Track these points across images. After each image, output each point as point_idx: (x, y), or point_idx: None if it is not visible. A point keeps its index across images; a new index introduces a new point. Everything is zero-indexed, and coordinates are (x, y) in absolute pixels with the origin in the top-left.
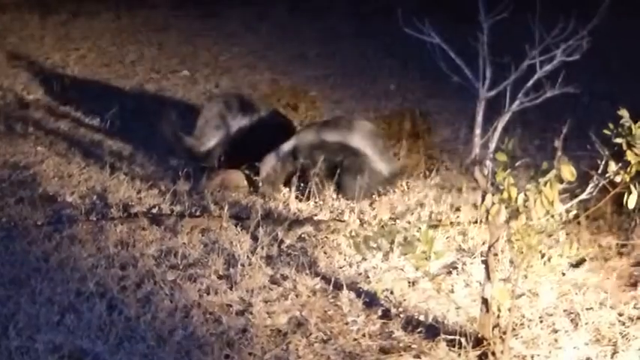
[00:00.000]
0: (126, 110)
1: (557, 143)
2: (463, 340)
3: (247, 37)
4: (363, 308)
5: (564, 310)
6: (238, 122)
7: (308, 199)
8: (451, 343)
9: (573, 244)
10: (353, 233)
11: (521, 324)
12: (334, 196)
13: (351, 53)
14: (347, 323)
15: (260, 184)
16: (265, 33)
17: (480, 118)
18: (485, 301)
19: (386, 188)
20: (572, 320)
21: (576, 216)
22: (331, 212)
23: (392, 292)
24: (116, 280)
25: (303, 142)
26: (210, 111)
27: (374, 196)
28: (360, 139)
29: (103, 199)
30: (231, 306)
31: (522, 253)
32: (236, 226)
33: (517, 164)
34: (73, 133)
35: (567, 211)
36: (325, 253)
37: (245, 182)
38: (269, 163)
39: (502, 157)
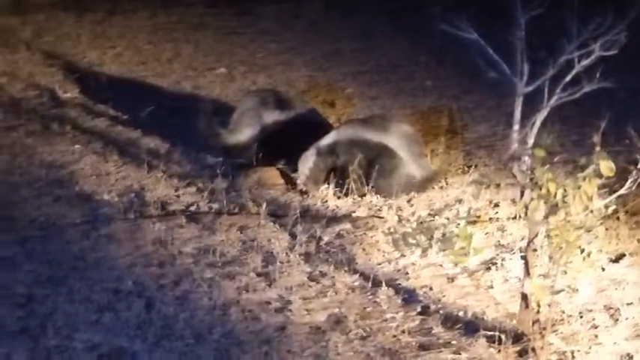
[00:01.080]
0: (162, 108)
1: (596, 138)
2: (502, 336)
3: (283, 34)
4: (402, 305)
5: (604, 306)
6: (274, 118)
7: (346, 195)
8: (490, 339)
9: (612, 240)
10: (391, 230)
11: (561, 320)
12: (372, 193)
13: (387, 50)
14: (386, 320)
15: (299, 181)
16: (301, 30)
17: (518, 114)
18: (524, 297)
19: (418, 192)
20: (611, 316)
21: (615, 211)
22: (369, 209)
23: (431, 289)
24: (154, 278)
25: (343, 138)
26: (245, 105)
27: (412, 192)
28: (397, 140)
29: (140, 197)
30: (269, 303)
31: (561, 248)
32: (274, 224)
33: (555, 160)
34: (109, 131)
35: (606, 207)
36: (363, 249)
37: (281, 180)
38: (310, 160)
39: (540, 153)
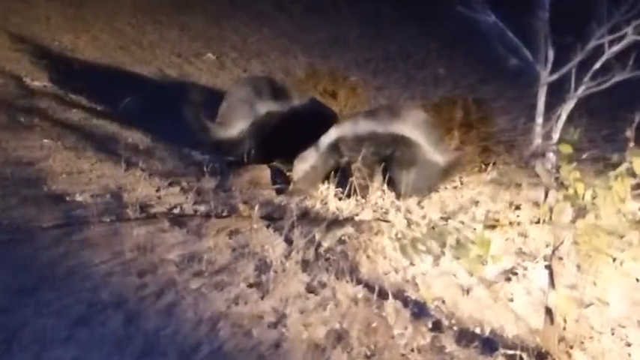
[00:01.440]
0: (143, 98)
1: (629, 133)
2: (524, 355)
3: (279, 17)
4: (411, 319)
5: (638, 321)
6: (269, 109)
7: (349, 196)
8: (511, 359)
9: None
10: (399, 235)
11: (590, 336)
12: (378, 193)
13: (395, 35)
14: (393, 336)
15: (293, 182)
16: (299, 13)
17: (541, 106)
18: (548, 311)
19: (442, 181)
20: None
21: None
22: (375, 211)
23: (443, 301)
24: (133, 289)
25: (348, 134)
26: (235, 95)
27: (428, 191)
28: (413, 128)
29: (117, 199)
30: (262, 317)
31: (590, 256)
32: (268, 228)
33: (583, 157)
34: (83, 124)
35: None
36: (368, 257)
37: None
38: (308, 160)
39: (567, 149)
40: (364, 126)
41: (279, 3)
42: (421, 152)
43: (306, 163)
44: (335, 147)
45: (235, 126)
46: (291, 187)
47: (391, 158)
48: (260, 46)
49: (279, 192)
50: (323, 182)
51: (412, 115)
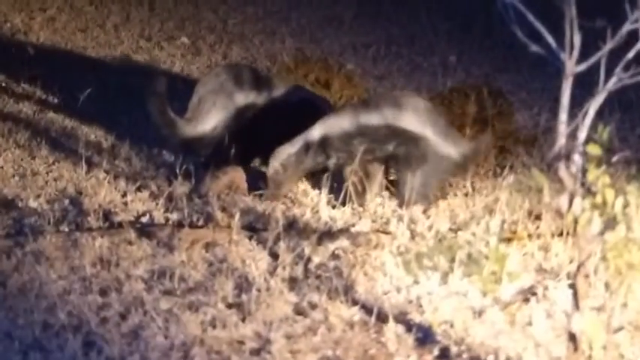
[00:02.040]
0: (107, 89)
1: None
2: None
3: None
4: (415, 346)
5: None
6: (248, 101)
7: (344, 204)
8: None
9: None
10: (402, 249)
11: None
12: (378, 200)
13: (399, 15)
14: None
15: (268, 180)
16: None
17: (566, 100)
18: (572, 337)
19: (459, 176)
20: None
21: None
22: (373, 222)
23: (452, 325)
24: (94, 309)
25: (335, 129)
26: (207, 86)
27: (440, 192)
28: (415, 118)
29: (77, 205)
30: (243, 343)
31: (621, 274)
32: (250, 240)
33: (614, 159)
34: (38, 118)
35: None
36: (366, 274)
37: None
38: (279, 157)
39: (595, 150)
40: (356, 119)
41: None
42: (429, 145)
43: (277, 160)
44: (318, 145)
45: (207, 121)
46: (266, 189)
47: (393, 157)
48: (242, 29)
49: (260, 197)
50: (313, 187)
51: (413, 103)
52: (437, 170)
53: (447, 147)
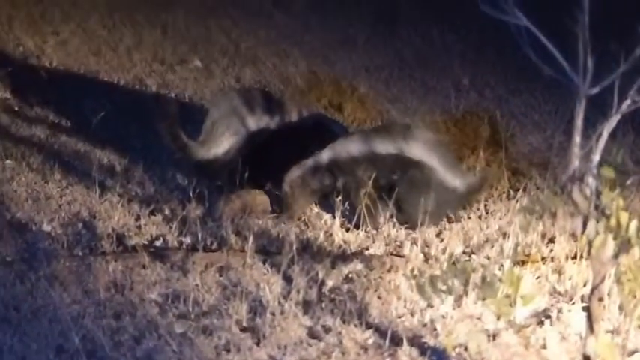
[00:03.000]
0: (120, 112)
1: None
2: None
3: (277, 16)
4: None
5: None
6: (261, 125)
7: (357, 227)
8: None
9: None
10: (415, 272)
11: None
12: (391, 223)
13: (412, 38)
14: None
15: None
16: (300, 11)
17: (579, 122)
18: None
19: (463, 208)
20: None
21: None
22: (387, 244)
23: (466, 348)
24: (109, 333)
25: (343, 154)
26: (220, 109)
27: (443, 222)
28: (423, 148)
29: (90, 229)
30: None
31: (635, 296)
32: (263, 264)
33: (628, 182)
34: (51, 142)
35: None
36: (379, 297)
37: (268, 205)
38: (289, 179)
39: (609, 173)
40: (365, 146)
41: None
42: (434, 175)
43: (287, 183)
44: (326, 169)
45: (221, 145)
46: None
47: (399, 184)
48: (254, 51)
49: (275, 217)
50: (309, 206)
51: (420, 134)
52: (441, 200)
53: (452, 178)
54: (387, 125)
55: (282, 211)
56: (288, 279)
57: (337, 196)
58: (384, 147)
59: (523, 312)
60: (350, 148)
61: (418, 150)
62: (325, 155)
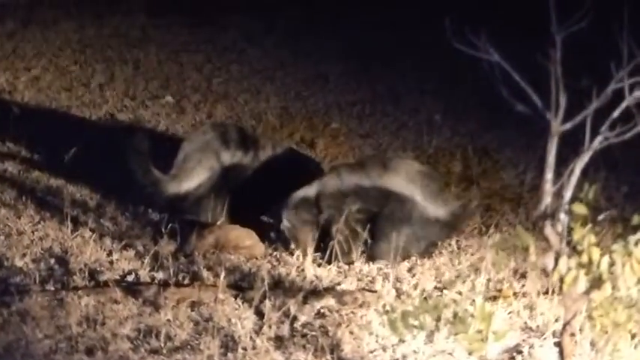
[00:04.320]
0: (92, 148)
1: None
2: None
3: (249, 52)
4: None
5: None
6: (234, 160)
7: (329, 262)
8: None
9: None
10: (387, 307)
11: None
12: (363, 259)
13: (384, 73)
14: None
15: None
16: (272, 47)
17: (551, 159)
18: None
19: (445, 237)
20: None
21: None
22: (359, 280)
23: None
24: None
25: (329, 187)
26: (193, 144)
27: (415, 258)
28: (405, 181)
29: (63, 264)
30: None
31: (607, 332)
32: (236, 299)
33: (600, 218)
34: (23, 177)
35: None
36: (352, 333)
37: (251, 240)
38: (285, 214)
39: (580, 209)
40: (349, 179)
41: (250, 34)
42: (415, 208)
43: (284, 218)
44: (315, 203)
45: (192, 179)
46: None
47: (379, 216)
48: (226, 88)
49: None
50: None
51: (405, 166)
52: (423, 231)
53: (434, 209)
54: (372, 158)
55: (286, 246)
56: (260, 314)
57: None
58: (368, 180)
59: (495, 348)
60: (336, 181)
61: (400, 182)
62: (313, 189)
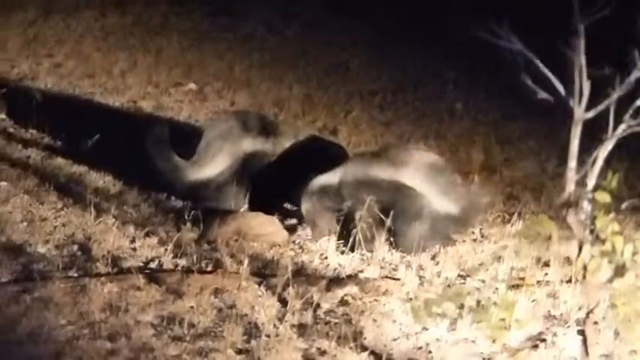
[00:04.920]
0: (115, 135)
1: None
2: None
3: (271, 40)
4: None
5: None
6: (256, 148)
7: (352, 250)
8: None
9: None
10: (410, 295)
11: None
12: (386, 247)
13: (405, 62)
14: None
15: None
16: (295, 35)
17: (574, 147)
18: None
19: (458, 233)
20: None
21: None
22: (382, 268)
23: None
24: (103, 355)
25: (348, 176)
26: (215, 131)
27: (438, 246)
28: (417, 175)
29: (85, 251)
30: None
31: (630, 321)
32: (259, 286)
33: (623, 206)
34: (46, 164)
35: None
36: (374, 320)
37: (273, 228)
38: (306, 198)
39: (603, 198)
40: (366, 169)
41: (270, 23)
42: (425, 203)
43: (304, 201)
44: (337, 189)
45: (215, 166)
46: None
47: (394, 210)
48: (249, 75)
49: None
50: (331, 223)
51: (419, 158)
52: (433, 226)
53: (444, 204)
54: (388, 148)
55: (311, 230)
56: (283, 302)
57: (339, 218)
58: (382, 171)
59: (517, 336)
60: (355, 170)
61: (412, 175)
62: (335, 176)
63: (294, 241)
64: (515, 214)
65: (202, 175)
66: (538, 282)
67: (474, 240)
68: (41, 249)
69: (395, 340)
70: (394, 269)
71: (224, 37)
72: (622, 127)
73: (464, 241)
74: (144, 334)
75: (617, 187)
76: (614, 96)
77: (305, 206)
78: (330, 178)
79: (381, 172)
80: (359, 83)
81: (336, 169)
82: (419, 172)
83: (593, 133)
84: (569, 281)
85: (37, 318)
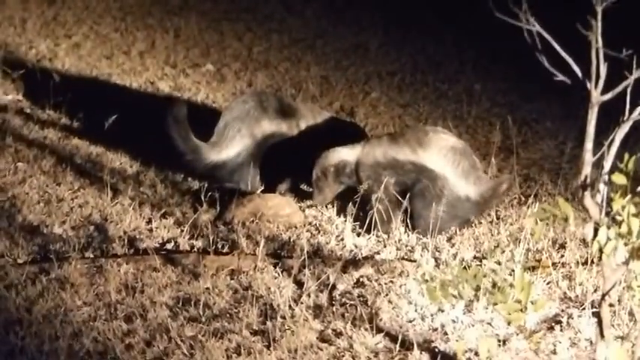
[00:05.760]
0: (132, 116)
1: None
2: None
3: (290, 21)
4: None
5: None
6: (274, 129)
7: (368, 232)
8: None
9: None
10: (426, 277)
11: None
12: (402, 229)
13: (424, 44)
14: None
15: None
16: (313, 16)
17: (591, 129)
18: None
19: (478, 216)
20: None
21: None
22: (398, 249)
23: (476, 353)
24: (120, 335)
25: (368, 157)
26: (234, 112)
27: (454, 228)
28: (438, 157)
29: (102, 231)
30: None
31: None
32: (275, 267)
33: (639, 189)
34: (63, 145)
35: None
36: (390, 302)
37: (289, 209)
38: (321, 164)
39: (620, 180)
40: (386, 151)
41: (289, 3)
42: (446, 186)
43: (318, 168)
44: (354, 168)
45: (232, 147)
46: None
47: (413, 191)
48: (267, 56)
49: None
50: (335, 194)
51: (440, 141)
52: (453, 209)
53: (465, 187)
54: (410, 130)
55: (313, 194)
56: (299, 283)
57: (356, 199)
58: (403, 153)
59: (534, 318)
60: (374, 152)
61: (433, 158)
62: (353, 155)
63: (310, 223)
64: (532, 196)
65: (220, 157)
66: (554, 264)
67: (491, 222)
68: (58, 230)
69: (411, 321)
70: (410, 251)
71: (243, 18)
72: (639, 109)
73: (480, 222)
74: (160, 315)
75: (633, 170)
76: (632, 78)
77: (317, 171)
78: (348, 154)
79: (401, 154)
80: (377, 64)
81: (355, 145)
82: (440, 155)
83: (610, 116)
84: (585, 263)
85: (54, 298)
